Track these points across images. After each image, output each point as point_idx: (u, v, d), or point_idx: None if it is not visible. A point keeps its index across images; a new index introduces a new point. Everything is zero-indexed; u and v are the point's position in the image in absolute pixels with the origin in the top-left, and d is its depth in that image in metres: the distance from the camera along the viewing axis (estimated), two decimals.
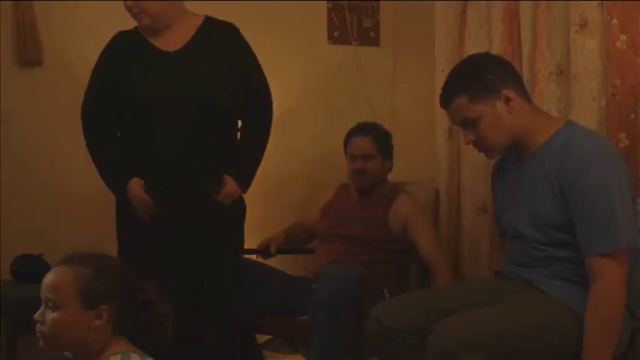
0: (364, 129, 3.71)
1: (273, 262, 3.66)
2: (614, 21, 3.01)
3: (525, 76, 3.34)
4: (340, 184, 3.80)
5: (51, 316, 2.03)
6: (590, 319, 2.35)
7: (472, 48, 3.60)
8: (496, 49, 3.44)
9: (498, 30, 3.45)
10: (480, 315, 2.40)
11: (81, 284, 2.04)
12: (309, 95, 4.23)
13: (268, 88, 3.11)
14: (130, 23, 3.81)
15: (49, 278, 2.07)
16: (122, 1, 3.76)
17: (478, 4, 3.61)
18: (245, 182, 3.02)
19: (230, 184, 2.96)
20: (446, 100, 2.61)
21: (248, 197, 4.06)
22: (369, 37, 4.39)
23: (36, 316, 2.06)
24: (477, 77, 2.55)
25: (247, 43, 3.06)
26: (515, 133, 2.55)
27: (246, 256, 3.47)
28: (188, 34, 2.98)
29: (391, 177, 3.78)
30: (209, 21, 3.04)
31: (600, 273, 2.34)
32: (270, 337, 3.68)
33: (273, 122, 3.15)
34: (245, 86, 3.01)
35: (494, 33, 3.48)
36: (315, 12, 4.28)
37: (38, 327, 2.05)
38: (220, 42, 2.99)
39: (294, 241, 3.85)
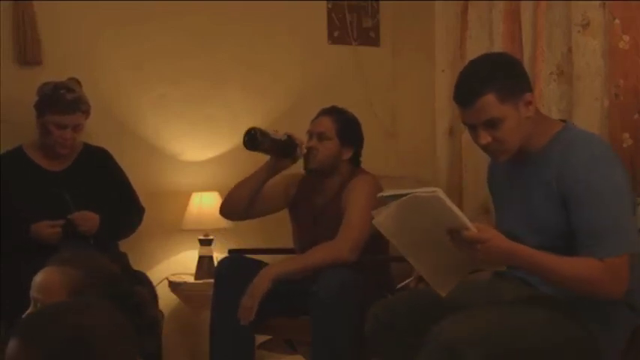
0: (329, 110, 3.46)
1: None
2: (617, 21, 3.02)
3: None
4: (301, 178, 3.51)
5: None
6: (571, 268, 2.27)
7: (473, 48, 3.60)
8: (497, 50, 3.44)
9: (500, 30, 3.45)
10: (481, 312, 2.39)
11: (70, 285, 2.02)
12: (309, 95, 4.22)
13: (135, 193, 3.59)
14: (128, 23, 3.84)
15: (38, 278, 2.05)
16: (122, 2, 3.80)
17: (479, 4, 3.61)
18: (102, 228, 3.30)
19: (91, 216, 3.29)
20: (470, 96, 2.36)
21: None
22: (369, 37, 4.39)
23: (24, 316, 2.05)
24: (509, 75, 2.38)
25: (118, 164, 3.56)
26: (525, 138, 2.44)
27: None
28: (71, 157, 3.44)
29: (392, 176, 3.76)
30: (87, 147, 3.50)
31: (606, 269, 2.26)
32: (270, 337, 3.67)
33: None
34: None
35: (495, 33, 3.47)
36: (315, 12, 4.27)
37: None
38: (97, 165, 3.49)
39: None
